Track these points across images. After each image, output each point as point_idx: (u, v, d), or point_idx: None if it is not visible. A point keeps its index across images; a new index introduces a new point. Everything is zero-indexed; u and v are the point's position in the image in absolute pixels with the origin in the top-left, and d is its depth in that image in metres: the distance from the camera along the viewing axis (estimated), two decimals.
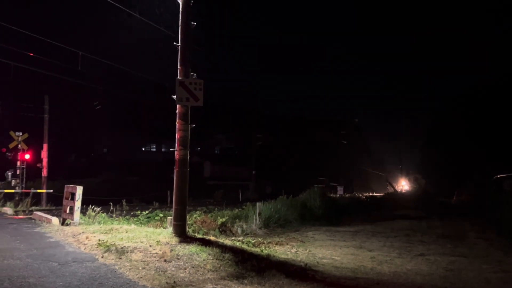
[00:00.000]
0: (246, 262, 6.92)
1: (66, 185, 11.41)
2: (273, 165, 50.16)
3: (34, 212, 14.53)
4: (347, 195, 36.25)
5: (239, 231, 13.10)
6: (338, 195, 32.79)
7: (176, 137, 8.82)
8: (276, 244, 11.02)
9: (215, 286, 5.47)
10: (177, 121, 8.85)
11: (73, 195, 10.60)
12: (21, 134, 22.00)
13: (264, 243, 10.87)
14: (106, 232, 8.68)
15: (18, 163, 21.77)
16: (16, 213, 15.80)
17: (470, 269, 8.28)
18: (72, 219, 10.43)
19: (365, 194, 41.66)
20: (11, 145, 21.95)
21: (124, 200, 20.31)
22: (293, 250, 10.14)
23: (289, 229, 14.86)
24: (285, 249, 10.17)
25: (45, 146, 25.05)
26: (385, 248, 10.91)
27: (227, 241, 9.41)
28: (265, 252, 9.05)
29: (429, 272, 7.89)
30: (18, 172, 21.71)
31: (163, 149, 57.11)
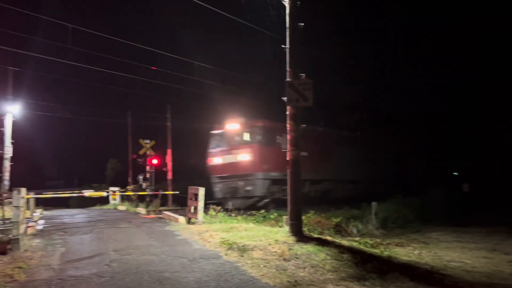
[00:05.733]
0: (366, 264, 6.72)
1: (189, 187, 12.37)
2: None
3: (163, 212, 16.00)
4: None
5: (355, 231, 12.79)
6: (464, 191, 29.94)
7: (288, 138, 8.93)
8: (396, 245, 10.51)
9: (336, 287, 5.42)
10: (287, 122, 8.96)
11: (196, 196, 11.46)
12: (149, 141, 24.52)
13: (382, 244, 10.45)
14: (227, 231, 9.20)
15: (148, 168, 24.25)
16: (148, 213, 17.59)
17: None
18: (196, 218, 11.27)
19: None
20: (141, 152, 24.60)
21: None
22: (416, 251, 9.57)
23: (409, 230, 14.05)
24: (406, 251, 9.65)
25: (169, 151, 27.48)
26: None
27: (344, 241, 9.24)
28: (385, 253, 8.69)
29: None
30: (147, 175, 24.22)
31: None
